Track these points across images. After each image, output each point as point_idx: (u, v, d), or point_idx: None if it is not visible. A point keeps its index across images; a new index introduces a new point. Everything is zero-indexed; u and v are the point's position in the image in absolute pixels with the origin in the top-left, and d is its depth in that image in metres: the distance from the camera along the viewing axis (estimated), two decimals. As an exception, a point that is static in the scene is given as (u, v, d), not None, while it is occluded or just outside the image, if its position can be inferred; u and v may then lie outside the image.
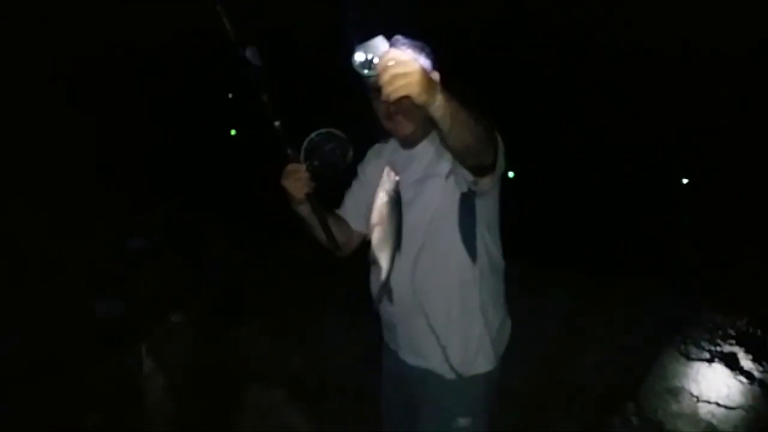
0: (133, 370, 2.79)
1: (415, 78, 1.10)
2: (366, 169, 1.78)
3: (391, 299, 1.52)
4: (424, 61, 1.56)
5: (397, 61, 1.10)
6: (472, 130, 1.24)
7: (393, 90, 1.10)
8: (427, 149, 1.60)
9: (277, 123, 1.53)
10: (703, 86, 7.77)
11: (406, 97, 1.13)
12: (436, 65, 1.59)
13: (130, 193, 5.51)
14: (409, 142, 1.62)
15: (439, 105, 1.16)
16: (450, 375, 1.60)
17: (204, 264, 4.26)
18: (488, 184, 1.45)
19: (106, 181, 5.72)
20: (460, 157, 1.34)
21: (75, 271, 3.90)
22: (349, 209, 1.78)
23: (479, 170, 1.39)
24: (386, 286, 1.48)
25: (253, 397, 2.76)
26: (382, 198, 1.35)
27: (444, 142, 1.31)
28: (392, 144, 1.73)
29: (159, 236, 4.52)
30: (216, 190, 6.64)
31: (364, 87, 1.56)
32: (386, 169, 1.35)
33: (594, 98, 8.34)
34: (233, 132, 8.90)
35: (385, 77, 1.10)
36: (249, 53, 1.45)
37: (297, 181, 1.54)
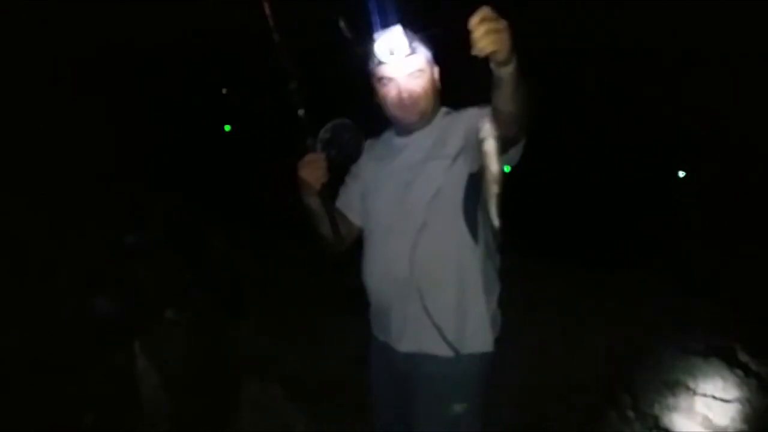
0: (132, 369, 2.79)
1: (507, 34, 1.15)
2: (360, 163, 1.80)
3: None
4: (426, 54, 1.61)
5: (490, 17, 1.13)
6: (529, 95, 1.29)
7: (486, 44, 1.14)
8: (425, 135, 1.63)
9: (301, 111, 1.57)
10: (703, 86, 7.77)
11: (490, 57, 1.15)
12: (437, 60, 1.65)
13: (129, 192, 5.51)
14: (408, 130, 1.66)
15: (515, 65, 1.21)
16: (446, 352, 1.57)
17: (203, 263, 4.26)
18: (515, 156, 1.48)
19: (106, 180, 5.72)
20: (509, 122, 1.34)
21: (74, 270, 3.90)
22: (346, 203, 1.80)
23: (511, 142, 1.42)
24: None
25: (252, 396, 2.75)
26: (491, 144, 1.32)
27: (500, 105, 1.32)
28: (384, 137, 1.77)
29: (159, 235, 4.52)
30: (216, 189, 6.66)
31: (372, 75, 1.62)
32: (486, 120, 1.32)
33: (594, 98, 8.34)
34: (227, 128, 8.91)
35: (478, 32, 1.13)
36: (342, 23, 1.52)
37: (317, 170, 1.56)
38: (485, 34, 1.13)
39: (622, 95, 8.32)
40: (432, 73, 1.62)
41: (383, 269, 1.63)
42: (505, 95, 1.28)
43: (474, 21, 1.13)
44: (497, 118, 1.35)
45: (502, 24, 1.14)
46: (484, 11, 1.13)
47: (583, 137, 7.23)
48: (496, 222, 1.35)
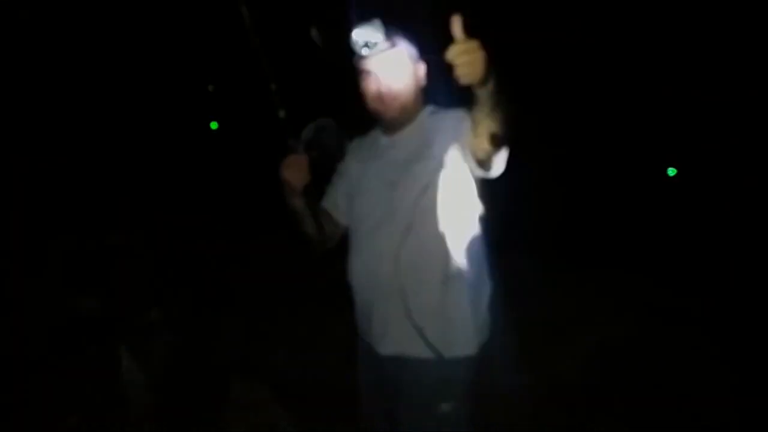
0: (116, 368, 2.78)
1: (483, 59, 1.19)
2: (346, 162, 1.79)
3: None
4: (411, 51, 1.61)
5: (467, 49, 1.18)
6: (508, 113, 1.32)
7: (466, 74, 1.19)
8: (412, 135, 1.62)
9: (282, 113, 1.58)
10: (702, 86, 7.76)
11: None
12: (422, 56, 1.65)
13: (119, 191, 5.52)
14: (393, 126, 1.65)
15: (491, 84, 1.25)
16: (428, 355, 1.55)
17: (191, 261, 4.25)
18: (498, 166, 1.49)
19: (104, 180, 5.73)
20: (487, 137, 1.37)
21: (59, 270, 3.89)
22: (332, 203, 1.79)
23: (491, 155, 1.43)
24: None
25: (241, 395, 2.75)
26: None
27: (479, 120, 1.35)
28: (371, 136, 1.76)
29: (150, 234, 4.53)
30: (214, 189, 6.65)
31: (354, 68, 1.61)
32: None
33: (594, 98, 8.34)
34: (214, 125, 8.92)
35: (461, 59, 1.17)
36: (314, 33, 1.55)
37: (299, 171, 1.58)
38: (464, 66, 1.18)
39: (621, 95, 8.32)
40: (415, 69, 1.62)
41: (367, 269, 1.62)
42: (483, 113, 1.32)
43: (452, 53, 1.17)
44: (475, 133, 1.38)
45: (479, 53, 1.18)
46: (462, 44, 1.17)
47: (582, 137, 7.22)
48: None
